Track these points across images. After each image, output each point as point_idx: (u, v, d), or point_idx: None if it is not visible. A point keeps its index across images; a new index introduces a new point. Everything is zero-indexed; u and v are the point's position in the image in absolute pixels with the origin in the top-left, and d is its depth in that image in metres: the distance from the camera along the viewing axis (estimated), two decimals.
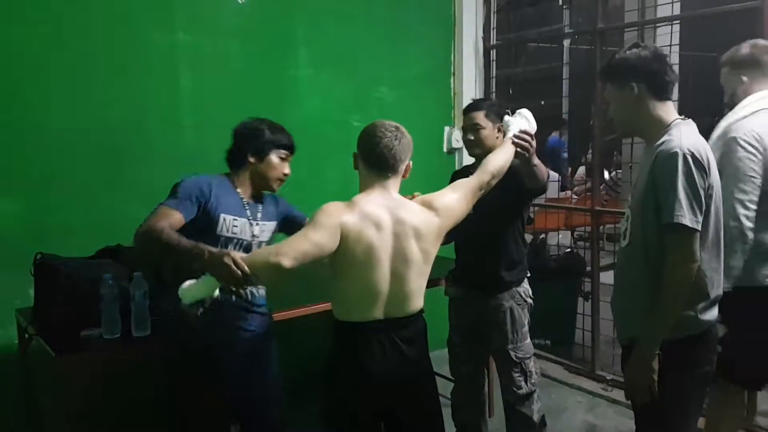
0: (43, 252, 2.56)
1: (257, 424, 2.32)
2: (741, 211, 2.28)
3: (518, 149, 2.29)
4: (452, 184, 2.18)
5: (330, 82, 3.83)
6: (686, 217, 1.74)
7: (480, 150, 2.58)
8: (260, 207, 2.25)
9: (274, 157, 2.20)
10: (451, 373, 2.89)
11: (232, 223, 2.13)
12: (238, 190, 2.20)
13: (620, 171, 6.52)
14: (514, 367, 2.67)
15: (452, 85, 4.51)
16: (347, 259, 1.86)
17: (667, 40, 3.64)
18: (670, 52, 3.63)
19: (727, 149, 2.37)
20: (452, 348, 2.85)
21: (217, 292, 1.84)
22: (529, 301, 2.73)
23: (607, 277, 4.13)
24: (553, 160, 6.50)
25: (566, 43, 5.41)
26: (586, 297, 4.17)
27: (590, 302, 4.05)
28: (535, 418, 2.69)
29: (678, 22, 3.76)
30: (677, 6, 3.66)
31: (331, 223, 1.82)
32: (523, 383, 2.67)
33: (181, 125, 3.31)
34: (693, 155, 1.76)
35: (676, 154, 1.76)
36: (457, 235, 2.67)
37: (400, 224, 1.90)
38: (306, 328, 2.82)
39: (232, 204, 2.16)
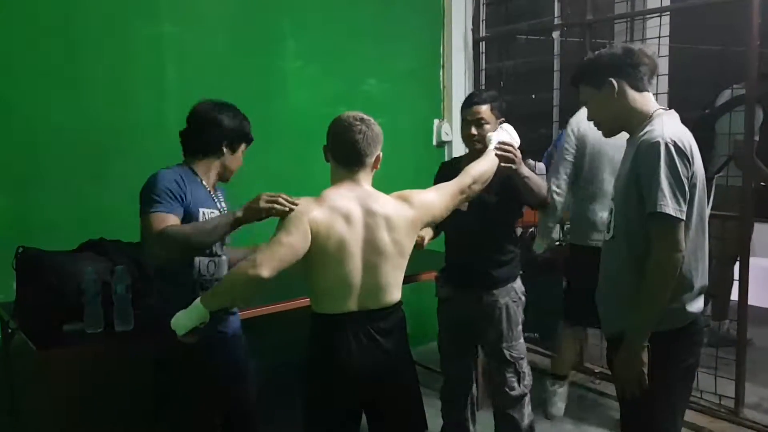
0: (26, 246, 2.54)
1: (240, 420, 2.31)
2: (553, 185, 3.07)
3: (502, 161, 2.28)
4: (435, 186, 2.20)
5: (317, 75, 3.80)
6: (669, 206, 1.73)
7: (482, 145, 2.51)
8: (219, 194, 2.24)
9: (240, 151, 2.20)
10: (442, 373, 2.88)
11: (210, 216, 2.09)
12: (203, 181, 2.16)
13: None
14: (508, 368, 2.63)
15: (441, 78, 4.50)
16: (319, 253, 1.86)
17: (657, 32, 3.63)
18: (659, 44, 3.63)
19: None
20: (444, 348, 2.83)
21: (207, 317, 1.86)
22: (523, 298, 2.70)
23: None
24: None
25: (556, 35, 5.38)
26: None
27: None
28: (525, 422, 2.66)
29: (668, 13, 3.75)
30: None
31: (301, 224, 1.83)
32: (516, 384, 2.63)
33: (166, 119, 3.27)
34: (675, 144, 1.76)
35: (658, 143, 1.76)
36: (449, 233, 2.70)
37: (371, 215, 1.91)
38: (285, 321, 2.80)
39: (203, 196, 2.12)
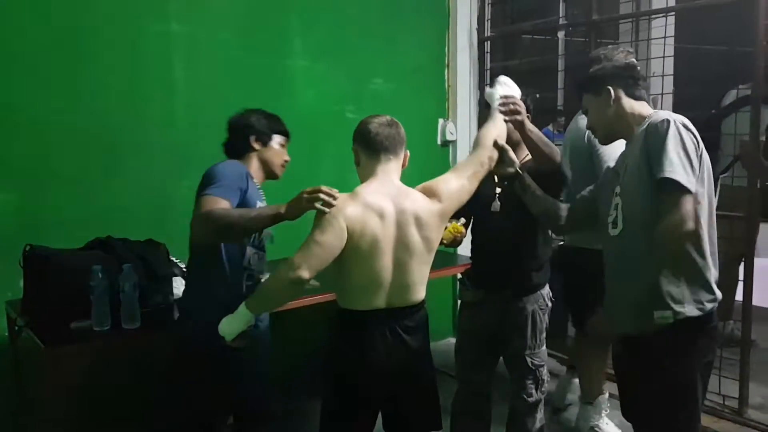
0: (33, 244, 2.55)
1: (252, 417, 2.32)
2: None
3: (507, 117, 2.21)
4: (455, 167, 2.17)
5: (324, 73, 3.80)
6: (680, 173, 1.71)
7: (507, 143, 2.40)
8: (261, 194, 2.29)
9: (275, 143, 2.28)
10: (458, 380, 2.71)
11: None
12: (254, 178, 2.24)
13: None
14: (528, 375, 2.53)
15: (446, 77, 4.50)
16: (352, 251, 1.86)
17: (662, 32, 3.63)
18: (665, 44, 3.63)
19: None
20: (463, 355, 2.65)
21: (253, 320, 1.90)
22: (550, 304, 2.58)
23: None
24: None
25: (561, 35, 5.38)
26: None
27: None
28: (537, 426, 2.60)
29: (673, 13, 3.75)
30: None
31: (337, 223, 1.82)
32: (534, 391, 2.54)
33: (175, 117, 3.29)
34: (684, 124, 1.79)
35: (666, 120, 1.79)
36: (480, 234, 2.59)
37: (403, 213, 1.92)
38: (305, 319, 2.80)
39: (257, 192, 2.21)
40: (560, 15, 5.14)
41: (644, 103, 1.99)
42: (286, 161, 2.31)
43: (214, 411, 2.22)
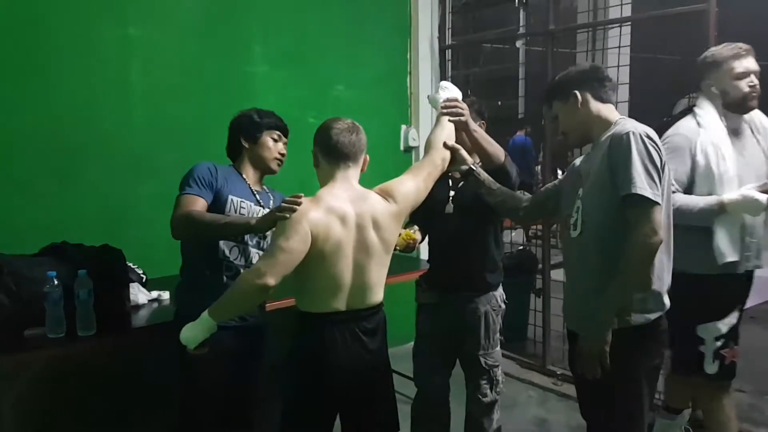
0: None
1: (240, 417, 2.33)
2: None
3: (450, 118, 2.27)
4: (410, 169, 2.22)
5: (286, 79, 3.82)
6: (646, 189, 1.76)
7: (464, 148, 2.48)
8: (271, 197, 2.36)
9: (267, 139, 2.30)
10: (416, 384, 2.71)
11: (240, 205, 2.21)
12: (245, 177, 2.30)
13: None
14: (483, 375, 2.58)
15: (408, 85, 4.55)
16: (315, 255, 1.87)
17: (617, 41, 3.72)
18: (619, 53, 3.72)
19: None
20: (422, 358, 2.67)
21: (215, 328, 1.89)
22: (503, 305, 2.64)
23: (558, 275, 4.21)
24: (522, 159, 6.53)
25: (520, 44, 5.48)
26: (537, 293, 4.25)
27: (542, 299, 4.12)
28: (494, 427, 2.64)
29: (629, 24, 3.85)
30: (628, 8, 3.74)
31: (301, 228, 1.83)
32: (488, 391, 2.59)
33: (133, 121, 3.26)
34: (647, 134, 1.83)
35: (629, 133, 1.82)
36: (435, 236, 2.63)
37: (362, 216, 1.94)
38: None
39: (240, 189, 2.25)
40: (520, 24, 5.23)
41: (611, 105, 2.03)
42: (281, 154, 2.33)
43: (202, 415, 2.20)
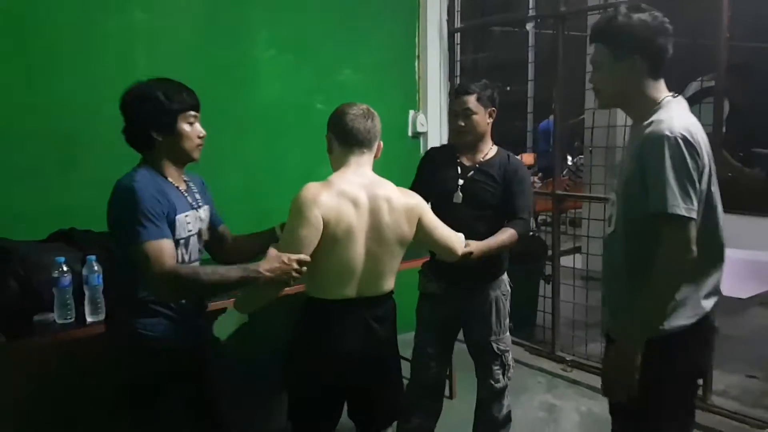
0: None
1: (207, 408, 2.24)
2: None
3: (464, 258, 2.26)
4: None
5: (291, 64, 3.77)
6: (680, 206, 1.62)
7: (472, 137, 2.49)
8: (194, 190, 2.04)
9: (183, 126, 1.90)
10: (411, 372, 2.69)
11: (185, 221, 1.92)
12: (169, 179, 1.93)
13: (582, 156, 6.57)
14: (495, 360, 2.59)
15: (416, 69, 4.50)
16: (327, 239, 1.87)
17: None
18: None
19: None
20: (422, 347, 2.66)
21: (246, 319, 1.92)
22: (510, 289, 2.64)
23: (568, 261, 4.20)
24: (547, 143, 6.41)
25: (530, 27, 5.41)
26: (547, 280, 4.23)
27: (551, 285, 4.10)
28: (504, 412, 2.64)
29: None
30: None
31: (313, 214, 1.83)
32: (500, 377, 2.60)
33: None
34: (684, 138, 1.65)
35: (665, 137, 1.65)
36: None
37: (375, 200, 1.93)
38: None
39: (177, 200, 1.90)
40: (530, 7, 5.17)
41: (661, 81, 1.81)
42: (201, 138, 1.94)
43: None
